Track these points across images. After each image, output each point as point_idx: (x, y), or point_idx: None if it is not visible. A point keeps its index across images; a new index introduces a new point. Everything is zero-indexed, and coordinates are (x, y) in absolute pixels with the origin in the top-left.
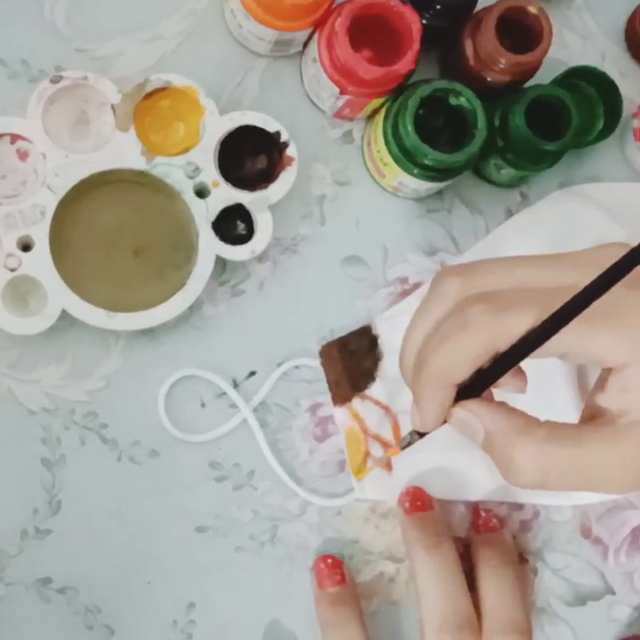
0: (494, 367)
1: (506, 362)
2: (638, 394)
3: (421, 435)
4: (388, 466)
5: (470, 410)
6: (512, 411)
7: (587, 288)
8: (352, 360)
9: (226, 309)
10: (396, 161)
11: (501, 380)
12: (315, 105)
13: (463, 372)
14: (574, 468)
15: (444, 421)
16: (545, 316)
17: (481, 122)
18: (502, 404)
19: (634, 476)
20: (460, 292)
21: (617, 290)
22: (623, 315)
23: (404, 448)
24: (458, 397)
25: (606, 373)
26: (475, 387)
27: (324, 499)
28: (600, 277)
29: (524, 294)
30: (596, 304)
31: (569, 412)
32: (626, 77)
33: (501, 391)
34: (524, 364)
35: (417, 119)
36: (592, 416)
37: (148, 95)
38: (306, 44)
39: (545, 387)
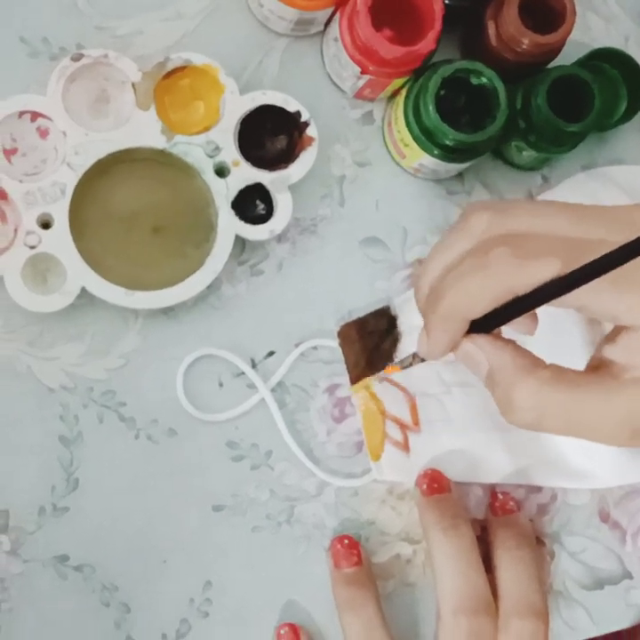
0: (509, 309)
1: (521, 306)
2: None
3: (423, 359)
4: (406, 447)
5: (478, 344)
6: (519, 349)
7: (617, 250)
8: (370, 341)
9: (245, 289)
10: (417, 141)
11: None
12: (335, 85)
13: (479, 310)
14: (571, 413)
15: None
16: (568, 269)
17: (502, 102)
18: (510, 342)
19: (626, 430)
20: (486, 229)
21: None
22: None
23: (404, 368)
24: (468, 330)
25: (620, 329)
26: (486, 323)
27: (341, 479)
28: (632, 242)
29: (550, 243)
30: None
31: (576, 360)
32: None
33: (511, 330)
34: (540, 309)
35: (438, 100)
36: (598, 366)
37: (169, 74)
38: (327, 24)
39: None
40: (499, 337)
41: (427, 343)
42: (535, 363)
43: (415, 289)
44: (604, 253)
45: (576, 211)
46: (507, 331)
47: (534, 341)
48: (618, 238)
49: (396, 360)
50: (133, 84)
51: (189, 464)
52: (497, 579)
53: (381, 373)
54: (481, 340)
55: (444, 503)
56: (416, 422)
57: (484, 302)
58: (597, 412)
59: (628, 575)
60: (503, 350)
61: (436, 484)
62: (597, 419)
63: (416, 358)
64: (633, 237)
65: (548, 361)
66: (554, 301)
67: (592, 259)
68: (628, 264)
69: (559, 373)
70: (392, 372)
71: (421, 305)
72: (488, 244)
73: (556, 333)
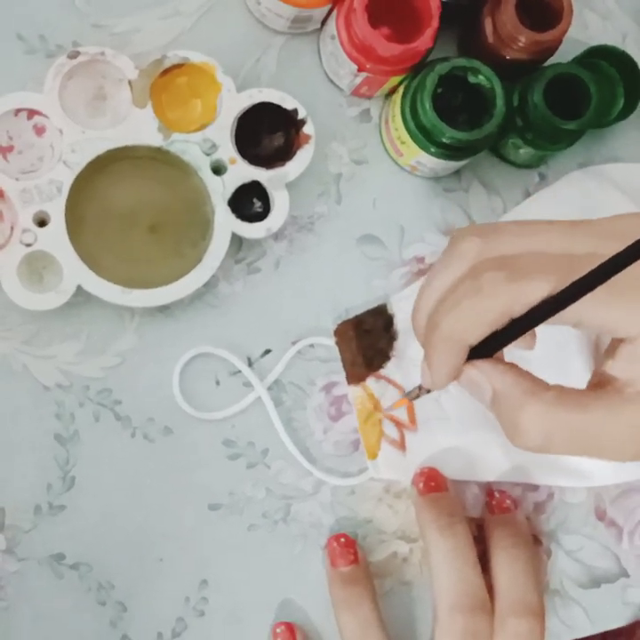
0: (508, 331)
1: (520, 327)
2: None
3: (429, 390)
4: (402, 446)
5: (480, 369)
6: (521, 372)
7: (607, 262)
8: (367, 339)
9: (241, 287)
10: (414, 139)
11: None
12: (332, 83)
13: (476, 336)
14: (578, 433)
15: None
16: (562, 286)
17: (499, 100)
18: (513, 366)
19: (633, 446)
20: (477, 254)
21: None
22: (638, 287)
23: (412, 400)
24: (469, 356)
25: (617, 343)
26: (486, 347)
27: (337, 478)
28: (621, 253)
29: (542, 261)
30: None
31: (580, 378)
32: None
33: (511, 349)
34: (539, 328)
35: (435, 97)
36: (600, 383)
37: (166, 71)
38: (324, 22)
39: (557, 352)
40: (501, 361)
41: (429, 374)
42: (539, 385)
43: (412, 320)
44: (594, 267)
45: (564, 227)
46: (508, 352)
47: (537, 363)
48: (607, 250)
49: (404, 394)
50: (130, 82)
51: (186, 462)
52: (493, 577)
53: (396, 435)
54: (483, 364)
55: (440, 502)
56: (413, 421)
57: (481, 327)
58: (603, 431)
59: (625, 573)
60: (506, 374)
61: (432, 483)
62: (604, 437)
63: (422, 389)
64: (621, 248)
65: (549, 380)
66: (550, 319)
67: (583, 273)
68: (620, 275)
69: (563, 394)
70: (400, 405)
71: (419, 335)
72: (480, 269)
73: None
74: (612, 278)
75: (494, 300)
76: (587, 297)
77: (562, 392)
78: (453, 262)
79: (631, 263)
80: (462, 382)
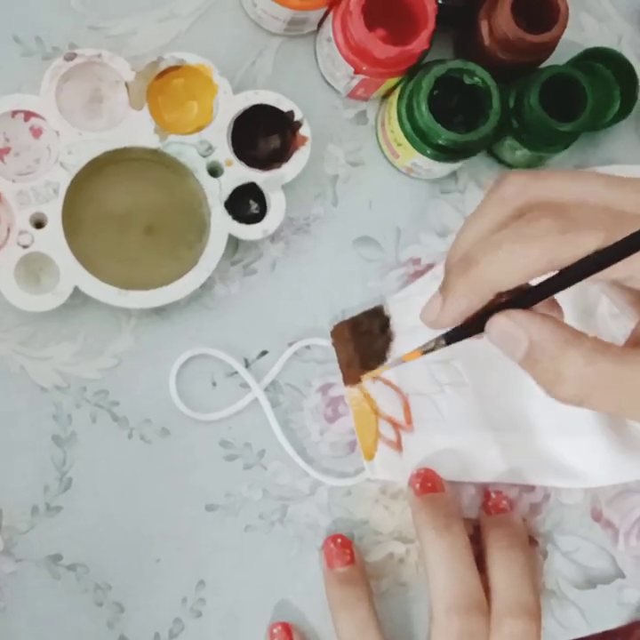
0: (550, 283)
1: (564, 280)
2: None
3: (448, 342)
4: (399, 447)
5: (516, 320)
6: (559, 323)
7: None
8: (363, 340)
9: (238, 289)
10: (410, 141)
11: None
12: (329, 85)
13: (510, 283)
14: (618, 386)
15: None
16: (611, 240)
17: (495, 102)
18: (549, 316)
19: None
20: (521, 195)
21: None
22: None
23: (425, 353)
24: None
25: None
26: (522, 300)
27: (334, 479)
28: None
29: (592, 214)
30: None
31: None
32: None
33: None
34: (571, 295)
35: (431, 99)
36: (637, 343)
37: (162, 73)
38: (320, 24)
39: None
40: (535, 312)
41: (440, 308)
42: (578, 334)
43: (448, 256)
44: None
45: (611, 178)
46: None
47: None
48: None
49: (419, 347)
50: (127, 84)
51: (182, 463)
52: (490, 578)
53: (392, 436)
54: (518, 314)
55: (436, 502)
56: (409, 422)
57: (522, 274)
58: None
59: (621, 574)
60: (543, 324)
61: (429, 484)
62: None
63: (439, 343)
64: None
65: None
66: (598, 275)
67: (633, 230)
68: None
69: (604, 346)
70: (412, 357)
71: (449, 270)
72: (531, 215)
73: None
74: None
75: (544, 249)
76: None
77: (603, 344)
78: (496, 203)
79: None
80: (493, 333)
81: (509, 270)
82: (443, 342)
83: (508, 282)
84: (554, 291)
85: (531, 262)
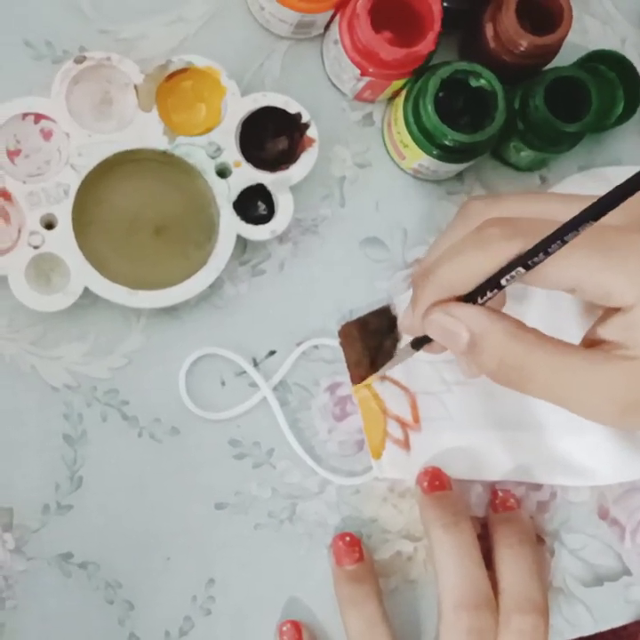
0: (482, 286)
1: (490, 283)
2: None
3: (413, 346)
4: (407, 445)
5: (454, 313)
6: (500, 313)
7: (577, 216)
8: (371, 340)
9: (246, 289)
10: (417, 142)
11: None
12: (335, 87)
13: (466, 288)
14: (556, 378)
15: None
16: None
17: (501, 103)
18: (488, 308)
19: (614, 405)
20: (481, 215)
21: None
22: (638, 256)
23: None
24: None
25: (611, 311)
26: (468, 296)
27: (342, 477)
28: (592, 205)
29: (540, 223)
30: (612, 242)
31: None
32: None
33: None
34: (539, 298)
35: (437, 101)
36: (590, 345)
37: (171, 76)
38: (327, 26)
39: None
40: (476, 304)
41: (410, 318)
42: (519, 325)
43: (413, 274)
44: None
45: (568, 197)
46: None
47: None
48: (610, 220)
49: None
50: (136, 86)
51: (192, 462)
52: (498, 575)
53: (400, 435)
54: (457, 308)
55: (444, 500)
56: (417, 420)
57: (475, 279)
58: (584, 382)
59: (628, 572)
60: (483, 315)
61: (436, 482)
62: (584, 389)
63: (408, 351)
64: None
65: None
66: (548, 282)
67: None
68: (620, 244)
69: (547, 338)
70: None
71: (414, 283)
72: (483, 226)
73: (551, 319)
74: (610, 246)
75: (492, 255)
76: (584, 261)
77: (542, 336)
78: (459, 223)
79: (597, 219)
80: (432, 330)
81: (465, 276)
82: (411, 349)
83: (464, 287)
84: (481, 293)
85: (484, 268)
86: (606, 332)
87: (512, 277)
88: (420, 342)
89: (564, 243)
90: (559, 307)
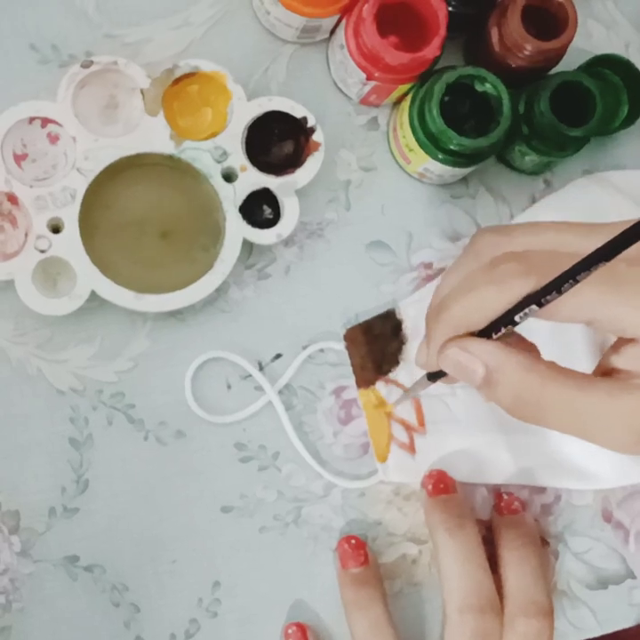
0: (496, 322)
1: (504, 320)
2: None
3: (430, 379)
4: (412, 449)
5: (469, 348)
6: (513, 348)
7: (589, 255)
8: (376, 344)
9: (252, 292)
10: (422, 146)
11: None
12: (341, 91)
13: (482, 324)
14: (574, 410)
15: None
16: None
17: (506, 108)
18: (502, 343)
19: (632, 434)
20: (493, 249)
21: None
22: None
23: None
24: None
25: (625, 341)
26: (482, 332)
27: (347, 481)
28: (605, 246)
29: (555, 259)
30: (624, 276)
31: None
32: None
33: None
34: (552, 336)
35: (443, 105)
36: (603, 374)
37: (177, 80)
38: (333, 31)
39: (562, 346)
40: (490, 339)
41: (426, 354)
42: (535, 359)
43: (429, 307)
44: (574, 263)
45: (582, 227)
46: None
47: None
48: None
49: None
50: (142, 91)
51: (198, 465)
52: (502, 578)
53: (405, 438)
54: (471, 343)
55: (449, 503)
56: (421, 424)
57: (489, 315)
58: (602, 413)
59: (631, 575)
60: (498, 350)
61: (441, 485)
62: (602, 420)
63: (423, 383)
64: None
65: None
66: (560, 317)
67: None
68: (634, 276)
69: (562, 370)
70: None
71: (429, 320)
72: (496, 262)
73: (562, 346)
74: (625, 279)
75: (507, 292)
76: (599, 296)
77: (558, 368)
78: (470, 258)
79: (603, 261)
80: (447, 365)
81: (479, 314)
82: (426, 381)
83: (476, 322)
84: (494, 328)
85: (498, 304)
86: (620, 361)
87: (526, 314)
88: (436, 376)
89: (577, 282)
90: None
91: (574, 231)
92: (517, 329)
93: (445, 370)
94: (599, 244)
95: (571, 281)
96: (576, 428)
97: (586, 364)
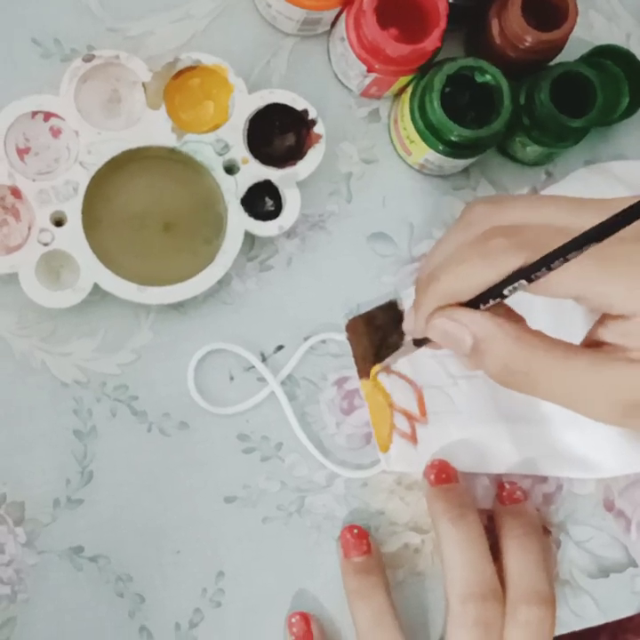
0: (483, 296)
1: (492, 293)
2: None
3: (418, 345)
4: (414, 439)
5: (457, 318)
6: (502, 319)
7: (581, 235)
8: (378, 334)
9: (254, 284)
10: (423, 137)
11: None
12: (342, 84)
13: (471, 295)
14: (561, 379)
15: None
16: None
17: (506, 99)
18: (490, 313)
19: (617, 406)
20: (485, 221)
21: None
22: (637, 266)
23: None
24: None
25: (611, 317)
26: (471, 302)
27: (350, 470)
28: (597, 226)
29: (546, 234)
30: (612, 253)
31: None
32: None
33: None
34: (546, 304)
35: (443, 96)
36: (590, 346)
37: (179, 74)
38: (333, 24)
39: (557, 325)
40: (478, 309)
41: (413, 321)
42: (523, 328)
43: (417, 276)
44: (566, 241)
45: (574, 203)
46: None
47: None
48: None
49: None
50: (144, 84)
51: (201, 456)
52: (504, 567)
53: (407, 428)
54: (461, 312)
55: (451, 493)
56: (423, 413)
57: (478, 289)
58: (585, 383)
59: (633, 563)
60: (487, 319)
61: (443, 475)
62: (586, 391)
63: (409, 346)
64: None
65: None
66: (549, 293)
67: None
68: (622, 254)
69: (550, 340)
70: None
71: (419, 290)
72: (488, 235)
73: (557, 325)
74: (613, 256)
75: (497, 266)
76: (586, 273)
77: (547, 339)
78: (460, 228)
79: (602, 239)
80: (436, 334)
81: (468, 286)
82: (413, 346)
83: (465, 293)
84: (482, 301)
85: (487, 279)
86: (608, 334)
87: (514, 288)
88: (422, 342)
89: (567, 260)
90: (562, 302)
91: (567, 207)
92: (511, 299)
93: (433, 338)
94: (592, 223)
95: (561, 259)
96: (563, 398)
97: (579, 337)
